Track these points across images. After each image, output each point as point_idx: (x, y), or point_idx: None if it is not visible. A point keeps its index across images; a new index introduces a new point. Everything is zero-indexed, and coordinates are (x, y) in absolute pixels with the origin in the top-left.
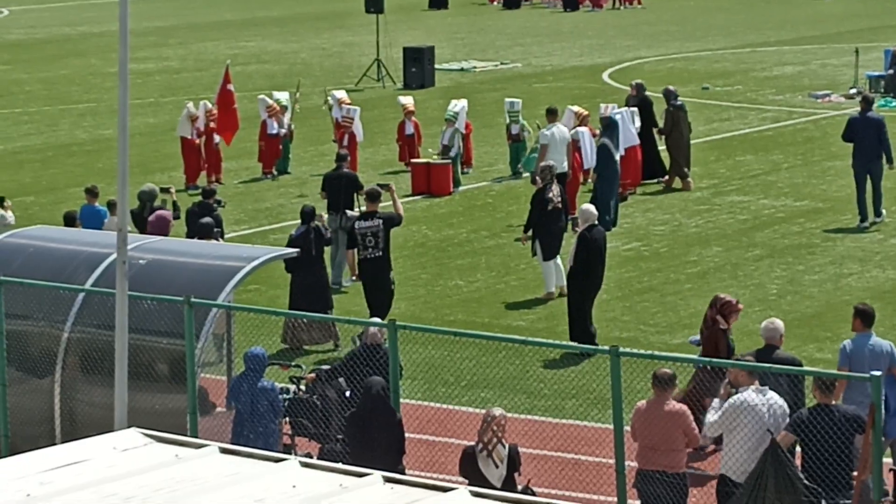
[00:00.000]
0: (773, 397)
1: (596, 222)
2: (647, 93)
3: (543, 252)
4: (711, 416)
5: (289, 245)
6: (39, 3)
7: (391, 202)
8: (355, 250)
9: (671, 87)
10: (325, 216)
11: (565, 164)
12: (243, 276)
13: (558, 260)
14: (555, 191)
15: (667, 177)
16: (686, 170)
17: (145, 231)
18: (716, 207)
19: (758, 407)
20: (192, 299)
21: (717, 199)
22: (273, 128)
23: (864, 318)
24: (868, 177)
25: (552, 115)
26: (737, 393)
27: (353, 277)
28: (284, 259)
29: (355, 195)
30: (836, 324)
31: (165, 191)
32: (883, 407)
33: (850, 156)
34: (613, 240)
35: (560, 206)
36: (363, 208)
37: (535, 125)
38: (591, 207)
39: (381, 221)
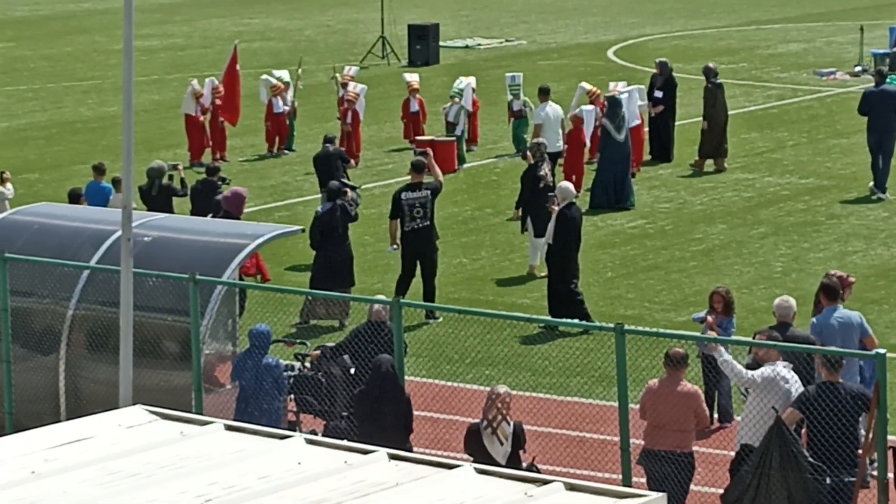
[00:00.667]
0: (796, 375)
1: (574, 200)
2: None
3: (535, 228)
4: (746, 374)
5: (315, 221)
6: None
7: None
8: (398, 220)
9: (711, 65)
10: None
11: (559, 142)
12: (248, 253)
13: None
14: (546, 168)
15: (696, 159)
16: (724, 147)
17: (154, 208)
18: (721, 185)
19: (790, 381)
20: (197, 276)
21: (722, 177)
22: (278, 106)
23: (828, 292)
24: (881, 148)
25: (545, 94)
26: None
27: (395, 246)
28: (311, 235)
29: (345, 169)
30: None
31: (174, 167)
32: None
33: (855, 132)
34: (619, 217)
35: (552, 183)
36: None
37: (528, 103)
38: (570, 185)
39: (429, 192)
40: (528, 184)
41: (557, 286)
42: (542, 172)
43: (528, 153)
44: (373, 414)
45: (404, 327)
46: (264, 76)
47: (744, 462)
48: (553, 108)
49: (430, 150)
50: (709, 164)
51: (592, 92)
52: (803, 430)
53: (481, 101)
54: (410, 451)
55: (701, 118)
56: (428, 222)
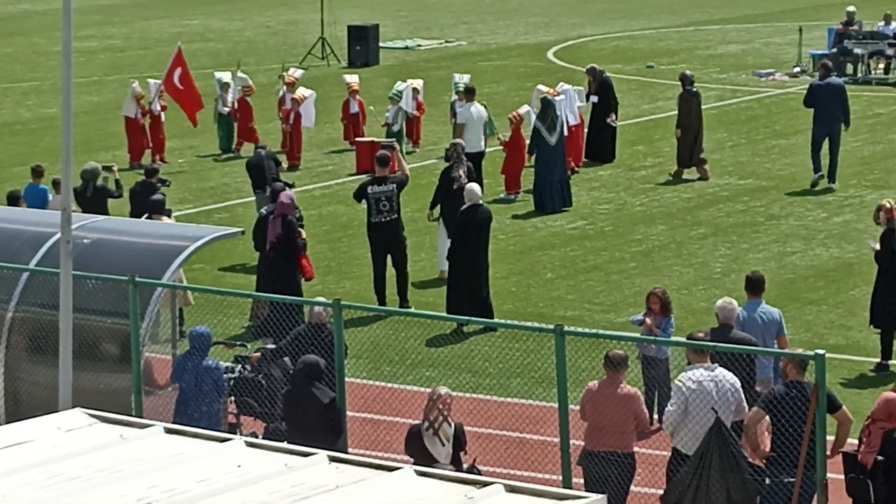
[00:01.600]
0: (722, 374)
1: (480, 202)
2: (606, 73)
3: (448, 231)
4: (669, 406)
5: (258, 223)
6: None
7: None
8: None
9: (688, 72)
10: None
11: (482, 143)
12: (188, 255)
13: None
14: (461, 170)
15: (675, 169)
16: (701, 156)
17: (89, 210)
18: (660, 186)
19: (704, 384)
20: (137, 278)
21: (662, 178)
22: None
23: (751, 286)
24: (828, 141)
25: (470, 93)
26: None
27: None
28: (255, 237)
29: (277, 170)
30: (781, 302)
31: (108, 169)
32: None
33: (794, 133)
34: (558, 219)
35: (466, 184)
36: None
37: (483, 104)
38: (475, 187)
39: (394, 185)
40: (443, 185)
41: (456, 287)
42: (455, 174)
43: (446, 153)
44: (292, 415)
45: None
46: (240, 74)
47: (680, 464)
48: (477, 109)
49: (396, 145)
50: (690, 173)
51: (551, 93)
52: (764, 429)
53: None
54: (344, 452)
55: (628, 118)
56: (395, 215)
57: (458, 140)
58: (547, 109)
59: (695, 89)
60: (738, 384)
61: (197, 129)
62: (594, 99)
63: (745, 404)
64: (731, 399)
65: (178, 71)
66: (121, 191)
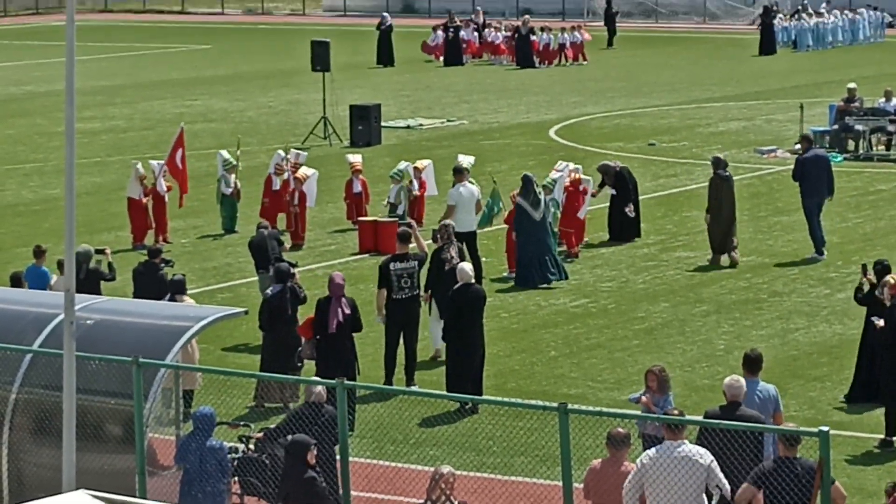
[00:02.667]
0: (688, 451)
1: (471, 282)
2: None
3: (440, 311)
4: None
5: (264, 304)
6: None
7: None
8: (385, 291)
9: (720, 155)
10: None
11: (474, 222)
12: (191, 335)
13: None
14: (452, 251)
15: (712, 255)
16: (732, 240)
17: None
18: (663, 263)
19: (660, 460)
20: (140, 359)
21: (665, 255)
22: (275, 184)
23: (749, 364)
24: (819, 212)
25: (459, 174)
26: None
27: (381, 317)
28: (260, 317)
29: (280, 250)
30: (784, 378)
31: (101, 252)
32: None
33: (796, 210)
34: (561, 297)
35: (457, 265)
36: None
37: (492, 179)
38: (466, 266)
39: (416, 262)
40: (434, 266)
41: (454, 367)
42: (444, 255)
43: (434, 234)
44: (281, 494)
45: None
46: (279, 152)
47: None
48: (468, 189)
49: (413, 223)
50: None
51: (572, 173)
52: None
53: (430, 182)
54: None
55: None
56: (416, 291)
57: (447, 221)
58: (528, 185)
59: (727, 173)
60: (709, 460)
61: (200, 209)
62: (612, 191)
63: (720, 479)
64: (695, 475)
65: (179, 151)
66: (113, 273)
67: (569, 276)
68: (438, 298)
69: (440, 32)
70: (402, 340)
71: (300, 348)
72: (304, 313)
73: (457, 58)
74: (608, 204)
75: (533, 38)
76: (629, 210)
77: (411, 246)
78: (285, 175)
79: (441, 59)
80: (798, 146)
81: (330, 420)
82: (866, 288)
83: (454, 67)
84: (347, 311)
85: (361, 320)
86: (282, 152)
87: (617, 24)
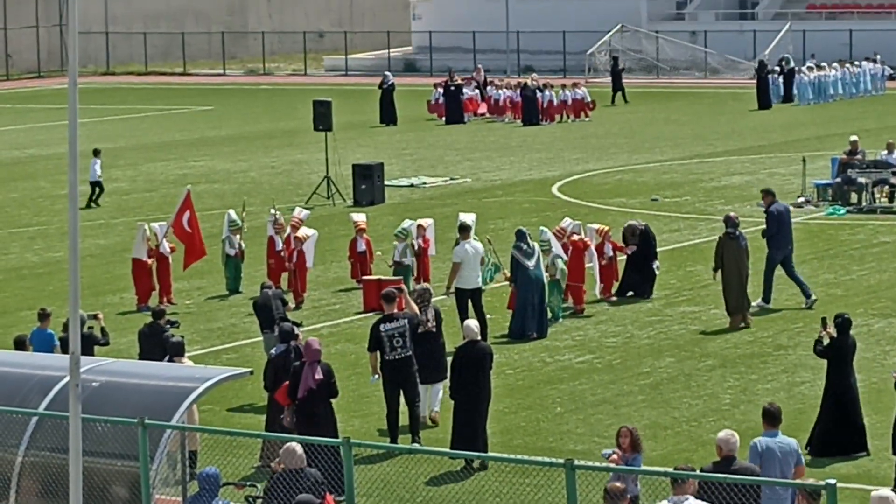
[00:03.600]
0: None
1: (477, 338)
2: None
3: (421, 375)
4: None
5: (269, 364)
6: None
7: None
8: (377, 352)
9: (732, 214)
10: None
11: (479, 280)
12: (197, 396)
13: (437, 386)
14: (429, 314)
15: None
16: (743, 303)
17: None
18: (667, 318)
19: None
20: (146, 421)
21: (669, 310)
22: (278, 245)
23: (769, 417)
24: (782, 265)
25: (465, 231)
26: None
27: (376, 377)
28: (265, 378)
29: (284, 310)
30: (791, 432)
31: (94, 317)
32: None
33: (800, 263)
34: (566, 352)
35: (434, 328)
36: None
37: (486, 240)
38: (472, 324)
39: (406, 321)
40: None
41: (460, 425)
42: (420, 318)
43: (416, 298)
44: None
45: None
46: (272, 210)
47: None
48: (473, 246)
49: (403, 287)
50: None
51: (601, 230)
52: None
53: (432, 240)
54: None
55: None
56: (409, 352)
57: (426, 285)
58: (521, 238)
59: (736, 232)
60: None
61: (204, 269)
62: (632, 248)
63: None
64: None
65: (186, 214)
66: (107, 338)
67: (545, 336)
68: (416, 360)
69: (441, 90)
70: (404, 400)
71: (282, 415)
72: None
73: (458, 116)
74: (625, 263)
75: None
76: (656, 266)
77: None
78: (287, 231)
79: (443, 117)
80: (801, 199)
81: (314, 484)
82: (826, 341)
83: (456, 126)
84: (320, 377)
85: (337, 386)
86: (273, 210)
87: (623, 81)
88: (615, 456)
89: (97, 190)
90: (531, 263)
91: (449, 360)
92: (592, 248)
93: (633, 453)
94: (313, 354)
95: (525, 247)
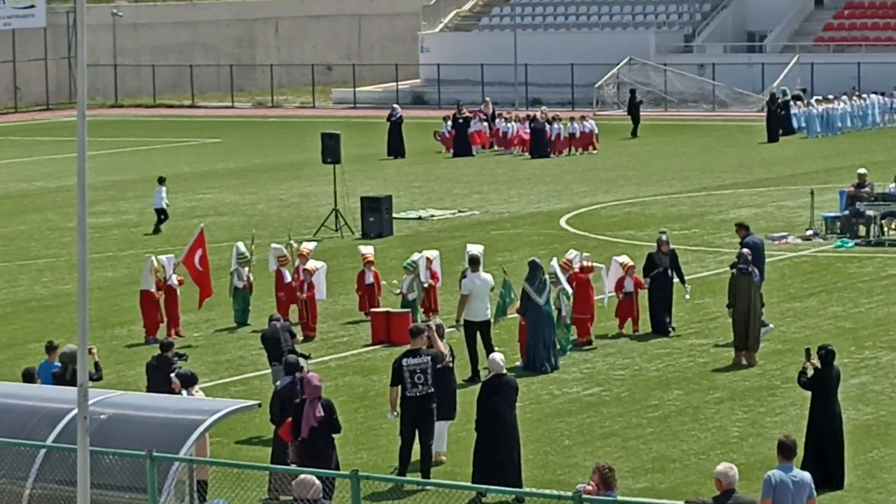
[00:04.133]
0: None
1: (503, 372)
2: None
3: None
4: None
5: (274, 396)
6: None
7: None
8: (398, 388)
9: (745, 251)
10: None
11: (487, 312)
12: (205, 428)
13: (444, 424)
14: (444, 349)
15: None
16: (748, 341)
17: None
18: (676, 351)
19: None
20: (154, 453)
21: (677, 343)
22: (286, 277)
23: (785, 450)
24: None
25: (475, 263)
26: None
27: (395, 413)
28: (271, 410)
29: (293, 343)
30: (799, 464)
31: (87, 352)
32: None
33: (808, 296)
34: (574, 385)
35: (451, 364)
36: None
37: (503, 270)
38: (497, 357)
39: (429, 358)
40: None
41: (482, 458)
42: (445, 355)
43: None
44: None
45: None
46: (273, 245)
47: None
48: (482, 279)
49: (431, 325)
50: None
51: (625, 264)
52: None
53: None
54: None
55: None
56: (430, 390)
57: (438, 321)
58: (534, 271)
59: (747, 269)
60: None
61: (213, 302)
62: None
63: None
64: None
65: (199, 252)
66: (100, 373)
67: (558, 368)
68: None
69: (450, 123)
70: (419, 438)
71: (288, 451)
72: None
73: (466, 149)
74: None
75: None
76: (687, 292)
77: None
78: (296, 262)
79: (450, 150)
80: (809, 232)
81: None
82: (810, 372)
83: (464, 158)
84: (321, 414)
85: (339, 422)
86: (278, 245)
87: (641, 114)
88: (589, 487)
89: (162, 217)
90: (542, 299)
91: (460, 390)
92: (603, 272)
93: (605, 490)
94: (313, 391)
95: (537, 281)
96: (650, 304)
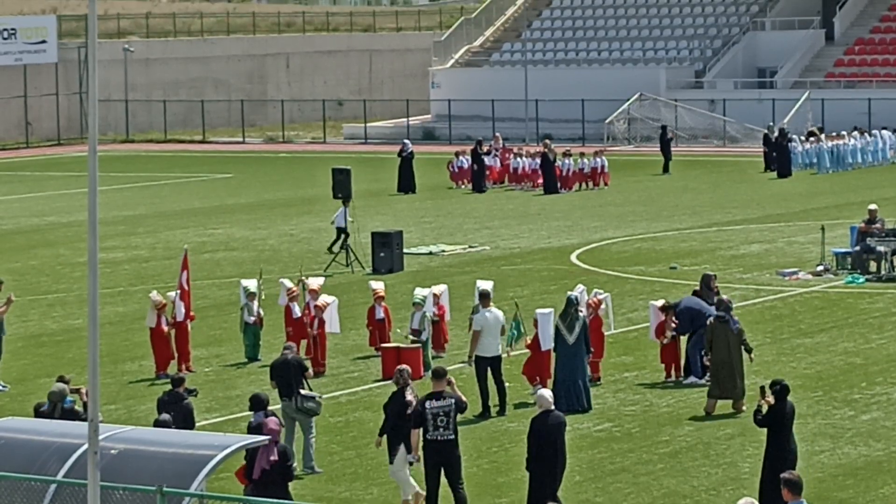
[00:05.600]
0: None
1: (552, 408)
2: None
3: (391, 455)
4: None
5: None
6: (7, 194)
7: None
8: (420, 430)
9: (725, 297)
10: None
11: (498, 348)
12: (216, 464)
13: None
14: (411, 394)
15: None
16: (731, 388)
17: None
18: (685, 387)
19: None
20: (164, 488)
21: (687, 379)
22: (295, 312)
23: (791, 487)
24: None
25: (486, 299)
26: None
27: (416, 458)
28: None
29: (304, 378)
30: (809, 501)
31: (75, 391)
32: None
33: (819, 332)
34: (585, 421)
35: (419, 408)
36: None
37: (515, 303)
38: (546, 393)
39: (452, 401)
40: (394, 410)
41: (534, 495)
42: (408, 398)
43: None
44: None
45: None
46: (281, 279)
47: None
48: (494, 314)
49: (452, 380)
50: (724, 405)
51: (664, 306)
52: None
53: (447, 306)
54: None
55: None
56: (452, 435)
57: (403, 366)
58: (568, 308)
59: (725, 316)
60: None
61: (223, 337)
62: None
63: None
64: None
65: (184, 273)
66: (86, 414)
67: (591, 408)
68: (397, 443)
69: (462, 158)
70: (447, 482)
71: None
72: (321, 440)
73: (481, 185)
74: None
75: (556, 163)
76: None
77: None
78: (306, 298)
79: (463, 184)
80: (820, 267)
81: None
82: (765, 409)
83: (474, 194)
84: (275, 458)
85: (293, 470)
86: (286, 281)
87: (672, 150)
88: None
89: (342, 236)
90: (572, 337)
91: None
92: (608, 302)
93: None
94: (269, 434)
95: (569, 318)
96: (688, 347)
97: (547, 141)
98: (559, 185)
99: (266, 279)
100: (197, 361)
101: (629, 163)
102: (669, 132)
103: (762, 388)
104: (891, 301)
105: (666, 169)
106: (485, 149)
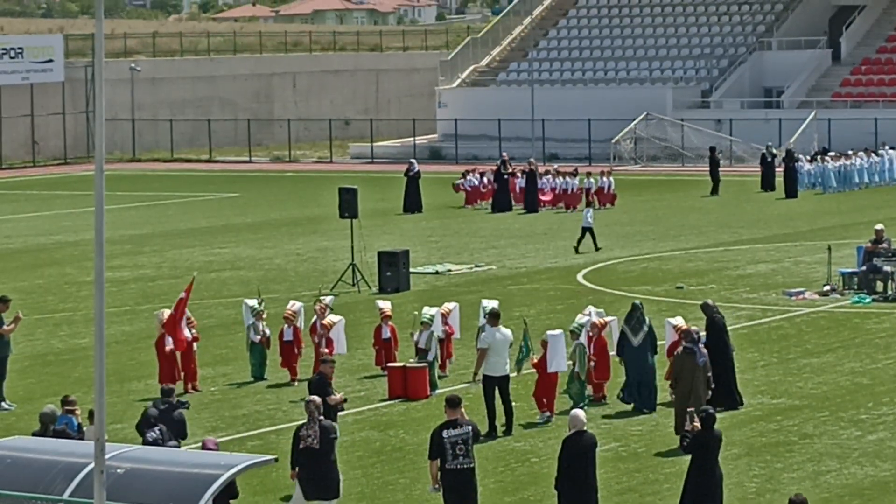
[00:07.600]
0: None
1: (584, 429)
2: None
3: (303, 491)
4: None
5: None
6: (14, 213)
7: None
8: (437, 461)
9: (693, 328)
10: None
11: (506, 367)
12: (222, 483)
13: None
14: (314, 428)
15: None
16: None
17: None
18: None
19: None
20: None
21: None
22: (288, 334)
23: None
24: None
25: (495, 318)
26: None
27: (436, 487)
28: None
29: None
30: None
31: (71, 412)
32: None
33: (826, 352)
34: None
35: (313, 446)
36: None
37: (523, 321)
38: (580, 413)
39: (469, 428)
40: (296, 444)
41: None
42: (303, 432)
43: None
44: None
45: None
46: (245, 300)
47: None
48: (503, 333)
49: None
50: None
51: (679, 327)
52: None
53: (457, 326)
54: None
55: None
56: (471, 463)
57: (312, 397)
58: (633, 312)
59: (692, 348)
60: None
61: (229, 357)
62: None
63: None
64: None
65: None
66: (82, 434)
67: (655, 409)
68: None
69: (472, 177)
70: None
71: None
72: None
73: (506, 205)
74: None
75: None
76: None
77: None
78: (313, 319)
79: (479, 203)
80: (827, 287)
81: None
82: (693, 432)
83: (481, 213)
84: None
85: (237, 488)
86: (295, 302)
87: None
88: None
89: (587, 234)
90: (636, 340)
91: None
92: (613, 325)
93: None
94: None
95: (633, 321)
96: (714, 375)
97: (532, 160)
98: (566, 204)
99: (273, 298)
100: (203, 381)
101: (636, 183)
102: (718, 153)
103: (690, 413)
104: None
105: (715, 191)
106: (510, 168)
